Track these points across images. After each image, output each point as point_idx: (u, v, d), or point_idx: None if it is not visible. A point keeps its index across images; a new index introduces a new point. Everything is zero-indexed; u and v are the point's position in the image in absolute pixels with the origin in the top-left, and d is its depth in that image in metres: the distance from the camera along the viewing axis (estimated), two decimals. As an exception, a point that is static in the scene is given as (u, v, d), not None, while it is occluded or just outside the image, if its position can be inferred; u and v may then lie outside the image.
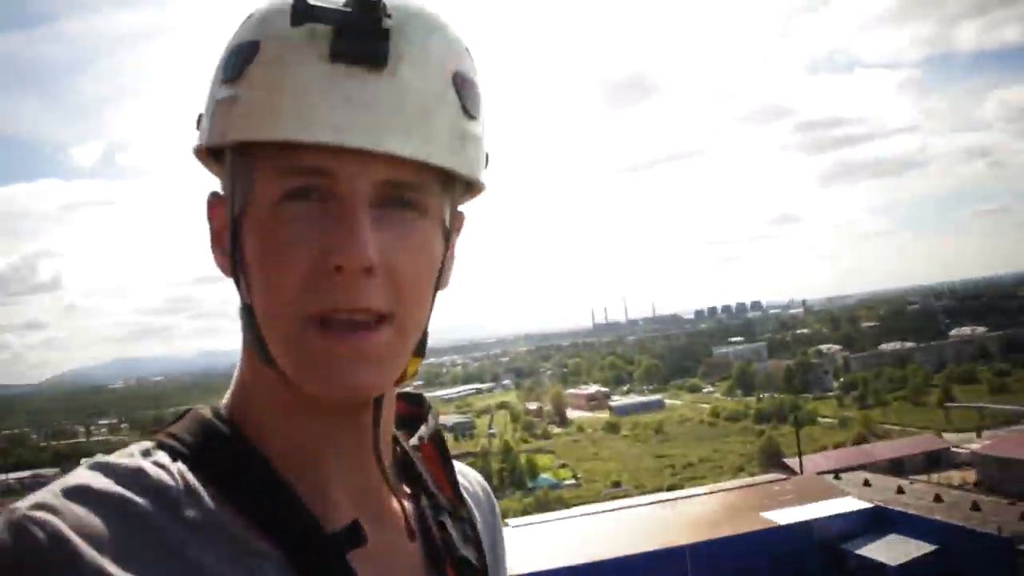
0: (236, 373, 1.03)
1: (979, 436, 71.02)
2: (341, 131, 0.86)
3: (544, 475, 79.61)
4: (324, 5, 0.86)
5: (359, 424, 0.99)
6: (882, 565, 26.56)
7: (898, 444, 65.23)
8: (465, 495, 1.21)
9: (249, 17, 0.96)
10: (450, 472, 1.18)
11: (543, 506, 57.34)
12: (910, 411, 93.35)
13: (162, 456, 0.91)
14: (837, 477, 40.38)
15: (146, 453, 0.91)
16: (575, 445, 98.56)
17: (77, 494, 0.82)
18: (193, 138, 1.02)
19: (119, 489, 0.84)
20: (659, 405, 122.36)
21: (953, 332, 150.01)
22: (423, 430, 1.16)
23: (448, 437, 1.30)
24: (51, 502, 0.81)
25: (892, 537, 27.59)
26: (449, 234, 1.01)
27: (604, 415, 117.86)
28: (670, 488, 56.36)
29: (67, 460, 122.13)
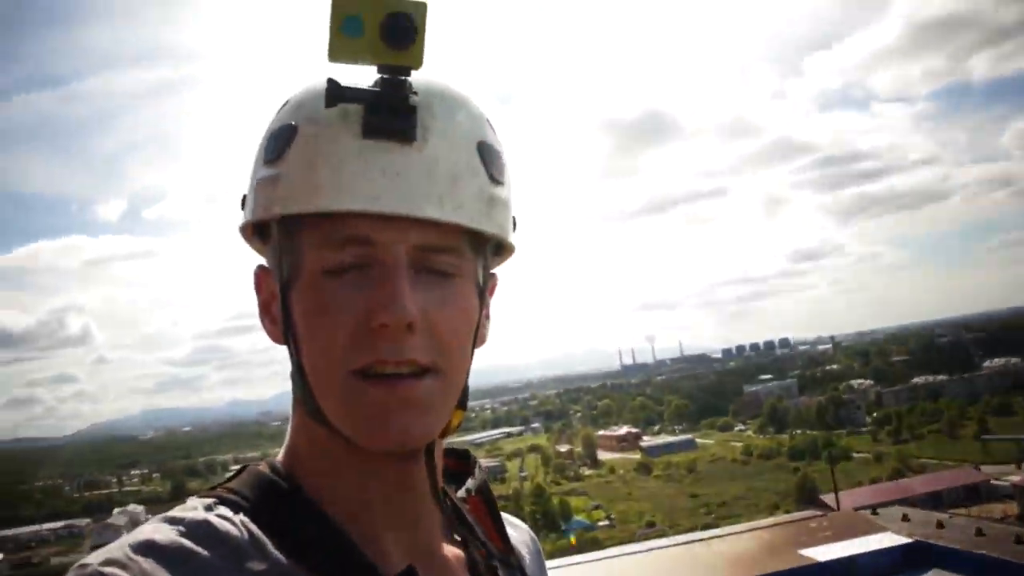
0: (289, 430, 1.09)
1: (1020, 468, 69.83)
2: (378, 200, 0.93)
3: (578, 517, 79.09)
4: (354, 87, 0.94)
5: (409, 474, 1.04)
6: (924, 602, 26.00)
7: (936, 477, 64.35)
8: (513, 544, 1.24)
9: (285, 104, 1.05)
10: (498, 522, 1.21)
11: (577, 548, 56.87)
12: (946, 444, 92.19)
13: (224, 510, 0.96)
14: (875, 512, 39.58)
15: (208, 508, 0.96)
16: (607, 486, 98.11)
17: (144, 548, 0.87)
18: (238, 217, 1.10)
19: (185, 541, 0.89)
20: (690, 445, 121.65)
21: (986, 364, 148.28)
22: (470, 483, 1.21)
23: (486, 468, 1.31)
24: (119, 557, 0.85)
25: (934, 573, 26.79)
26: (483, 294, 1.07)
27: (635, 456, 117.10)
28: (705, 527, 55.68)
29: (99, 511, 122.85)
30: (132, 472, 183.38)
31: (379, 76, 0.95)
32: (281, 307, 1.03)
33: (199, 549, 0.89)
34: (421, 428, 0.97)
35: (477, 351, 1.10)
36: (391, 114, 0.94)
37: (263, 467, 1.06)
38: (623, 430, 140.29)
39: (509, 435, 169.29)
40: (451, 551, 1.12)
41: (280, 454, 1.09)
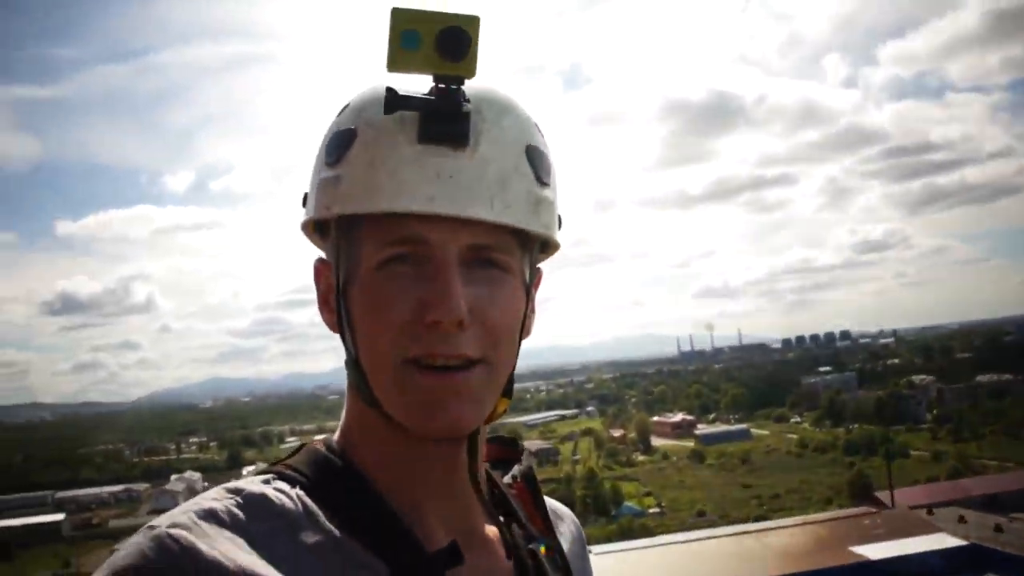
0: (344, 413, 1.16)
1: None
2: (433, 201, 0.99)
3: (628, 503, 78.90)
4: (411, 95, 0.99)
5: (454, 457, 1.11)
6: (978, 606, 25.53)
7: (996, 479, 62.82)
8: (555, 528, 1.30)
9: (345, 107, 1.12)
10: (541, 506, 1.29)
11: (626, 534, 56.74)
12: (1009, 445, 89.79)
13: (281, 483, 1.03)
14: (930, 512, 39.08)
15: (266, 481, 1.04)
16: (660, 473, 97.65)
17: (206, 515, 0.94)
18: (300, 214, 1.18)
19: (243, 511, 0.96)
20: (745, 434, 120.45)
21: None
22: (516, 469, 1.31)
23: (532, 456, 1.39)
24: (184, 521, 0.92)
25: (989, 577, 26.89)
26: (529, 289, 1.14)
27: (689, 444, 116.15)
28: (756, 519, 55.29)
29: (157, 476, 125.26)
30: (190, 440, 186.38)
31: (434, 85, 1.01)
32: (338, 299, 1.10)
33: (256, 519, 0.96)
34: (469, 416, 1.03)
35: (526, 340, 1.17)
36: (445, 121, 1.00)
37: (319, 446, 1.13)
38: (678, 417, 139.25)
39: (563, 417, 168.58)
40: (491, 531, 1.18)
41: (335, 434, 1.17)
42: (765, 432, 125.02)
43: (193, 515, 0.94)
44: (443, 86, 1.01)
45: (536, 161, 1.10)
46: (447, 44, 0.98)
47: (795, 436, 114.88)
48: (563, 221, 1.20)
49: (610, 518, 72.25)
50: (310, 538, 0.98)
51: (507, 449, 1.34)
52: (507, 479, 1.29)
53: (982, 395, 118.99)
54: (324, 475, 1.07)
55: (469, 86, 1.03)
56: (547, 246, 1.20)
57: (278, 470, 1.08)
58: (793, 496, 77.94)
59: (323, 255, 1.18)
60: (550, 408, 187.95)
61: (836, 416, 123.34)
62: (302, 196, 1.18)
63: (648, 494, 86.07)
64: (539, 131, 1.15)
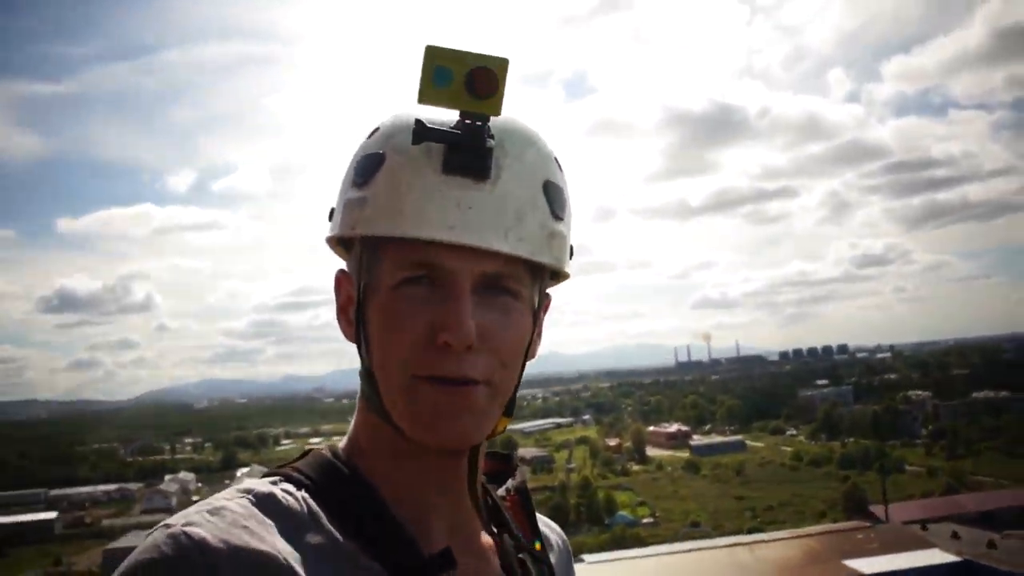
0: (352, 421, 1.23)
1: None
2: (453, 230, 1.05)
3: (622, 512, 78.85)
4: (438, 128, 1.04)
5: (456, 469, 1.18)
6: (970, 622, 25.88)
7: (991, 496, 62.75)
8: (545, 541, 1.37)
9: (375, 131, 1.18)
10: (532, 520, 1.36)
11: (619, 543, 56.67)
12: (1004, 462, 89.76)
13: (288, 486, 1.09)
14: (924, 528, 39.15)
15: (274, 483, 1.10)
16: (654, 483, 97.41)
17: (221, 511, 1.00)
18: (325, 228, 1.24)
19: (254, 510, 1.02)
20: (740, 446, 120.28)
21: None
22: (510, 483, 1.37)
23: (526, 471, 1.47)
24: (198, 520, 0.98)
25: (981, 593, 27.54)
26: (537, 313, 1.20)
27: (684, 454, 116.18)
28: (749, 531, 55.25)
29: (151, 475, 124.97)
30: (185, 440, 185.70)
31: (460, 120, 1.07)
32: (357, 313, 1.16)
33: (265, 518, 1.01)
34: (473, 430, 1.09)
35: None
36: (469, 154, 1.06)
37: (326, 451, 1.19)
38: (673, 427, 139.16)
39: (559, 425, 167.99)
40: (487, 539, 1.24)
41: (342, 442, 1.22)
42: (760, 444, 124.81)
43: (207, 513, 0.99)
44: (469, 122, 1.06)
45: (552, 196, 1.15)
46: (476, 83, 1.04)
47: (790, 449, 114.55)
48: (575, 251, 1.25)
49: (604, 527, 72.34)
50: (314, 539, 1.03)
51: (502, 463, 1.40)
52: (501, 492, 1.34)
53: (978, 412, 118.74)
54: (330, 480, 1.12)
55: (494, 120, 1.08)
56: (557, 274, 1.24)
57: (285, 472, 1.13)
58: (787, 509, 77.86)
59: (344, 267, 1.24)
60: (546, 416, 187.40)
61: (832, 430, 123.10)
62: (328, 210, 1.23)
63: (642, 504, 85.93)
64: (558, 166, 1.20)
